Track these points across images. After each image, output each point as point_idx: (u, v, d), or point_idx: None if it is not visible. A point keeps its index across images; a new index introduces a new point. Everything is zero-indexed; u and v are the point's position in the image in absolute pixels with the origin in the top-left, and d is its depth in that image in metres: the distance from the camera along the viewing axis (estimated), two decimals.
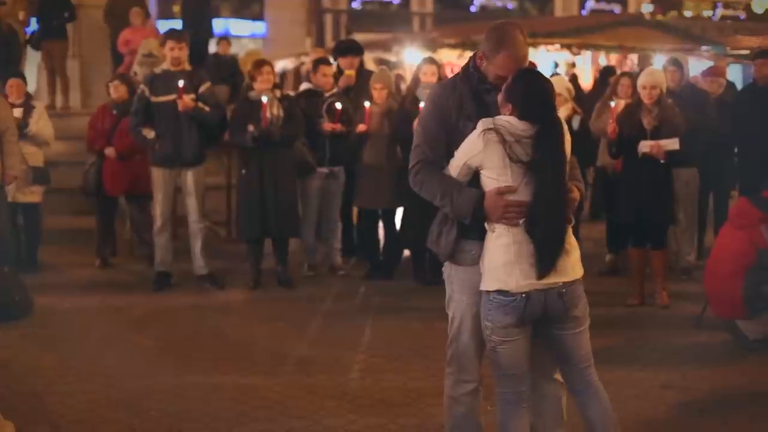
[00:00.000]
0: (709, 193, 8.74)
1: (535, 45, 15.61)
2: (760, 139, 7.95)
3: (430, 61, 8.34)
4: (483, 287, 3.66)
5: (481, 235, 3.69)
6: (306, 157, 8.20)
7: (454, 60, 17.38)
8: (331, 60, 8.93)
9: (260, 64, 8.06)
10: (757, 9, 31.72)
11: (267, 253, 8.20)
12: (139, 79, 9.01)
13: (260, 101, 7.75)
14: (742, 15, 31.27)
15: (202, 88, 7.87)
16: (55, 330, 6.80)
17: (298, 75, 15.83)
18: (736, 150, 8.56)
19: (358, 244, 8.84)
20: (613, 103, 7.85)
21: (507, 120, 3.60)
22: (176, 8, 13.53)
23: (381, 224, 8.48)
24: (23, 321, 6.94)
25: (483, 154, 3.58)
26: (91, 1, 13.69)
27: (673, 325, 6.88)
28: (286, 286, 8.01)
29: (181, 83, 7.65)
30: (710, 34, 21.56)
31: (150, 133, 7.87)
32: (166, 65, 7.94)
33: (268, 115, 7.76)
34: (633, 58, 14.92)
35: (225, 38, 16.25)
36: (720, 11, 31.55)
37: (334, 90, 8.44)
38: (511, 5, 35.11)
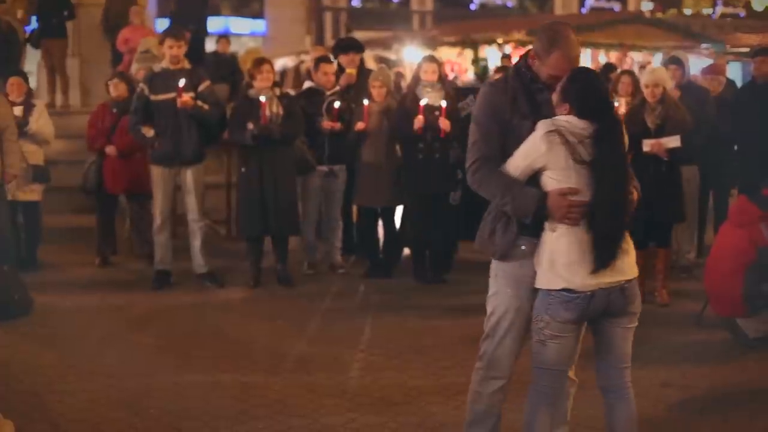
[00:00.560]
0: (709, 191, 8.74)
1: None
2: (759, 137, 7.94)
3: (431, 59, 8.33)
4: (544, 286, 3.66)
5: (532, 232, 3.70)
6: (305, 155, 8.20)
7: (454, 58, 17.40)
8: (332, 57, 8.93)
9: (260, 62, 8.05)
10: (757, 6, 31.67)
11: (267, 252, 8.20)
12: (138, 76, 8.99)
13: (260, 99, 7.75)
14: (742, 13, 31.20)
15: (201, 87, 7.87)
16: (55, 329, 6.80)
17: (298, 73, 15.79)
18: (735, 148, 8.56)
19: (358, 242, 8.83)
20: (616, 103, 7.84)
21: (566, 120, 3.62)
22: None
23: (380, 222, 8.49)
24: (23, 320, 6.94)
25: (547, 156, 3.59)
26: None
27: (673, 323, 6.87)
28: (285, 285, 8.01)
29: (182, 82, 7.65)
30: (710, 32, 21.51)
31: (149, 132, 7.87)
32: (165, 63, 7.94)
33: (267, 113, 7.76)
34: (633, 56, 14.91)
35: (225, 36, 16.20)
36: (720, 9, 31.46)
37: (336, 88, 8.44)
38: (510, 3, 35.02)
